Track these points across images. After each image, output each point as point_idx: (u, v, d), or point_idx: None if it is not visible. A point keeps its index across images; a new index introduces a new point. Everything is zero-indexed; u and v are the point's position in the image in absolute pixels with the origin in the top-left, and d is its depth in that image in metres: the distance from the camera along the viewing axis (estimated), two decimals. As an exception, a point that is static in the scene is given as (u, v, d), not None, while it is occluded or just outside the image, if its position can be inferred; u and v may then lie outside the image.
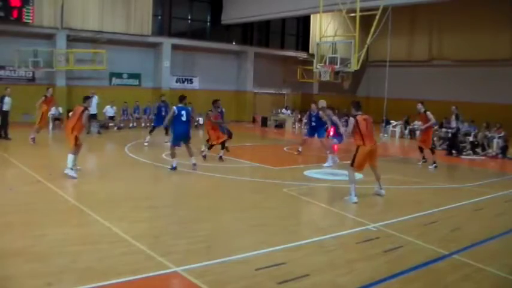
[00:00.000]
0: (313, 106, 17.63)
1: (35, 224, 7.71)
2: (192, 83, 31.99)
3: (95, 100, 22.11)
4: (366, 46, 24.71)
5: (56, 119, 23.35)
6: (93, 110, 22.14)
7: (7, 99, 18.73)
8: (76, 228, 7.57)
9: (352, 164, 10.60)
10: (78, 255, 6.28)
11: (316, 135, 17.01)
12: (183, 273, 5.86)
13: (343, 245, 7.36)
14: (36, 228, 7.46)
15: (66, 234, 7.21)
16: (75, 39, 26.10)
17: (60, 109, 23.93)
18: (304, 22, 36.56)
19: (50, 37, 25.53)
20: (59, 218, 8.15)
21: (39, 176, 11.43)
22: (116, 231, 7.39)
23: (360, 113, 10.69)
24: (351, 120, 10.62)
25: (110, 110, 24.52)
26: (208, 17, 33.30)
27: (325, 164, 15.12)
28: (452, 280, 6.12)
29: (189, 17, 32.58)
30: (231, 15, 31.57)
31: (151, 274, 5.80)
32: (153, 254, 6.43)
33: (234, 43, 33.96)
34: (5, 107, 18.70)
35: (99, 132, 21.84)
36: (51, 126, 22.74)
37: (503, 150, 19.74)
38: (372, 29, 23.10)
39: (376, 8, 22.75)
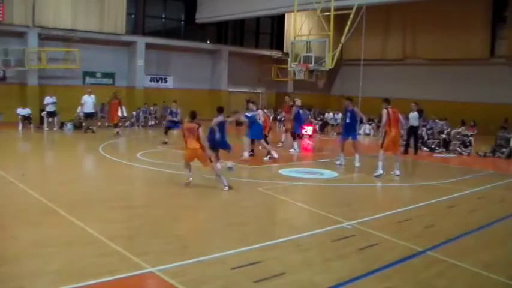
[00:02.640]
0: (347, 102, 15.93)
1: (6, 226, 7.58)
2: (166, 82, 31.77)
3: (90, 99, 22.04)
4: (340, 45, 24.84)
5: (25, 118, 22.98)
6: (88, 109, 22.11)
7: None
8: (50, 230, 7.43)
9: (381, 147, 13.40)
10: (52, 257, 6.20)
11: (349, 137, 15.67)
12: (158, 274, 5.83)
13: (318, 243, 7.39)
14: (8, 230, 7.35)
15: (40, 235, 7.10)
16: (47, 37, 25.69)
17: (28, 109, 23.49)
18: (278, 21, 36.60)
19: (21, 35, 25.08)
20: (31, 219, 8.01)
21: (11, 176, 11.24)
22: (90, 232, 7.30)
23: (390, 106, 13.45)
24: (385, 111, 13.36)
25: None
26: (183, 16, 33.12)
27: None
28: (426, 276, 6.19)
29: (163, 16, 32.37)
30: (205, 14, 31.45)
31: (126, 275, 5.75)
32: (129, 255, 6.38)
33: (208, 42, 33.85)
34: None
35: (93, 132, 21.76)
36: (20, 126, 22.40)
37: (465, 146, 20.05)
38: (346, 28, 23.24)
39: (350, 7, 22.89)
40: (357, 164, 15.13)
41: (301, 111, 18.98)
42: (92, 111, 22.57)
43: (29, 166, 13.89)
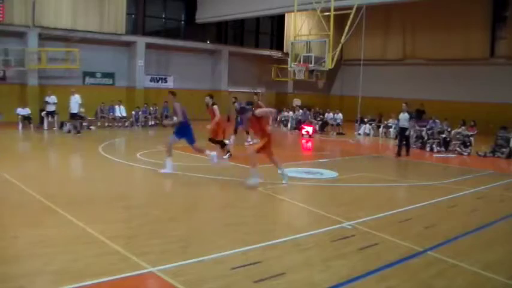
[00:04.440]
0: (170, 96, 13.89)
1: (6, 225, 7.59)
2: (166, 82, 31.78)
3: (74, 99, 21.98)
4: (340, 45, 24.88)
5: (25, 118, 23.01)
6: (73, 109, 22.05)
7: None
8: (50, 230, 7.44)
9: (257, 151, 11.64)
10: (52, 257, 6.19)
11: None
12: (158, 273, 5.83)
13: (318, 243, 7.38)
14: (8, 230, 7.34)
15: (40, 235, 7.10)
16: (47, 37, 25.71)
17: (28, 109, 23.52)
18: (278, 21, 36.63)
19: (21, 35, 25.09)
20: (31, 219, 8.02)
21: (12, 176, 11.24)
22: (90, 232, 7.30)
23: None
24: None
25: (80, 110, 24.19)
26: (183, 16, 33.15)
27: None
28: (427, 276, 6.18)
29: (163, 16, 32.39)
30: (205, 14, 31.46)
31: (126, 275, 5.75)
32: (129, 255, 6.38)
33: (208, 42, 33.84)
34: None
35: (78, 132, 21.70)
36: (20, 126, 22.42)
37: (465, 146, 20.03)
38: (346, 28, 23.27)
39: (350, 7, 22.91)
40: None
41: (248, 111, 19.02)
42: (75, 111, 22.26)
43: (29, 166, 13.89)
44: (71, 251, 6.48)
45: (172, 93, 13.32)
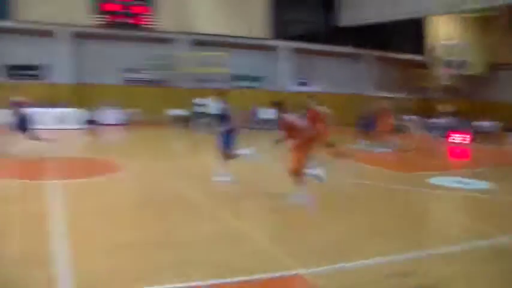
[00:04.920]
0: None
1: (161, 219, 8.12)
2: (309, 86, 32.00)
3: (214, 102, 23.07)
4: (489, 48, 23.47)
5: (178, 119, 24.48)
6: (215, 110, 23.15)
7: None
8: (203, 224, 7.80)
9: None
10: (207, 251, 6.52)
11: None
12: (307, 276, 5.82)
13: (473, 257, 6.96)
14: (163, 223, 7.87)
15: (193, 229, 7.49)
16: (197, 43, 27.14)
17: (180, 110, 25.00)
18: (421, 24, 35.31)
19: (172, 41, 26.76)
20: (184, 215, 8.46)
21: (165, 173, 11.88)
22: (242, 230, 7.58)
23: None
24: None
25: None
26: (324, 20, 33.21)
27: None
28: None
29: (305, 20, 32.74)
30: (346, 18, 31.32)
31: (274, 275, 5.82)
32: (278, 255, 6.49)
33: (349, 46, 33.59)
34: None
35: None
36: (174, 126, 23.85)
37: None
38: (495, 30, 21.94)
39: (498, 8, 21.46)
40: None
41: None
42: (218, 113, 23.11)
43: (183, 164, 14.69)
44: (222, 247, 6.72)
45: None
